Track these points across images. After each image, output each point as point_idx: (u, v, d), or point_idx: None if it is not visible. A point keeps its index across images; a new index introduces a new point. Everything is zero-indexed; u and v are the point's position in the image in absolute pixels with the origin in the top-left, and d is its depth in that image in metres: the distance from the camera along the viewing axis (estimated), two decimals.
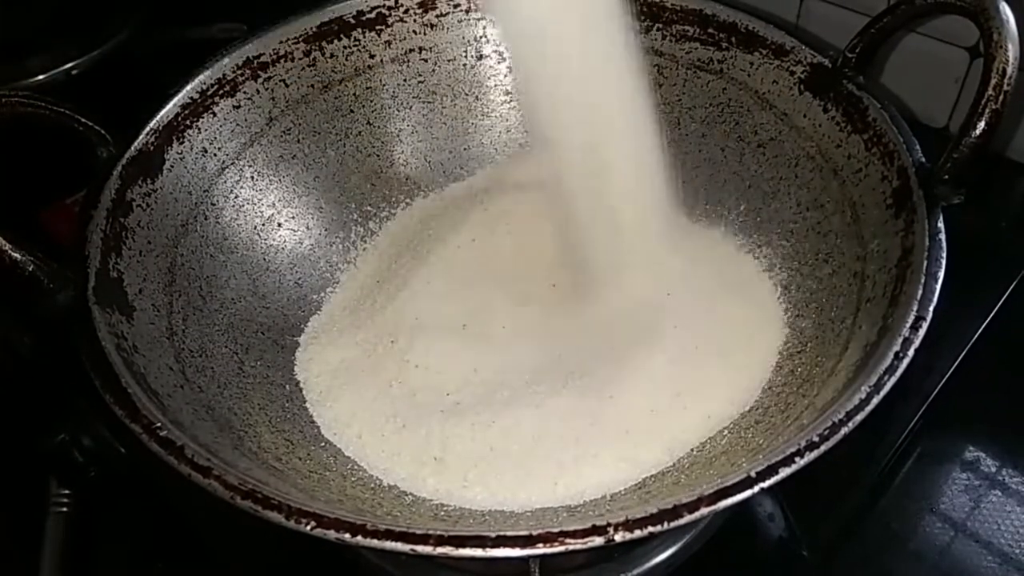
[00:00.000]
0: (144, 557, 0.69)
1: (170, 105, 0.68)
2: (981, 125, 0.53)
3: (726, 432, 0.60)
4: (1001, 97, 0.52)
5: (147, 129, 0.66)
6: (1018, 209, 0.88)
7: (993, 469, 0.69)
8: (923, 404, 0.70)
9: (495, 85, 0.82)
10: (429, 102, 0.81)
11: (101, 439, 0.68)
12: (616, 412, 0.61)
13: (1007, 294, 0.77)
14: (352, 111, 0.78)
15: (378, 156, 0.79)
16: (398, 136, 0.80)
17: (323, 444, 0.62)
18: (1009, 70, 0.52)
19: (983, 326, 0.75)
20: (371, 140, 0.79)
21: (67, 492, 0.68)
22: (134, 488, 0.70)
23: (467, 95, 0.82)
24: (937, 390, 0.71)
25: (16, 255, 0.54)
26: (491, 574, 0.65)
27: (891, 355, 0.48)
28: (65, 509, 0.67)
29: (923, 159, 0.58)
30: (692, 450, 0.59)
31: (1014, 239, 0.84)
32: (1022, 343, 0.77)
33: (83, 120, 0.63)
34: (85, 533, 0.67)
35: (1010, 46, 0.53)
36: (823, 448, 0.44)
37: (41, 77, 0.92)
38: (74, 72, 0.93)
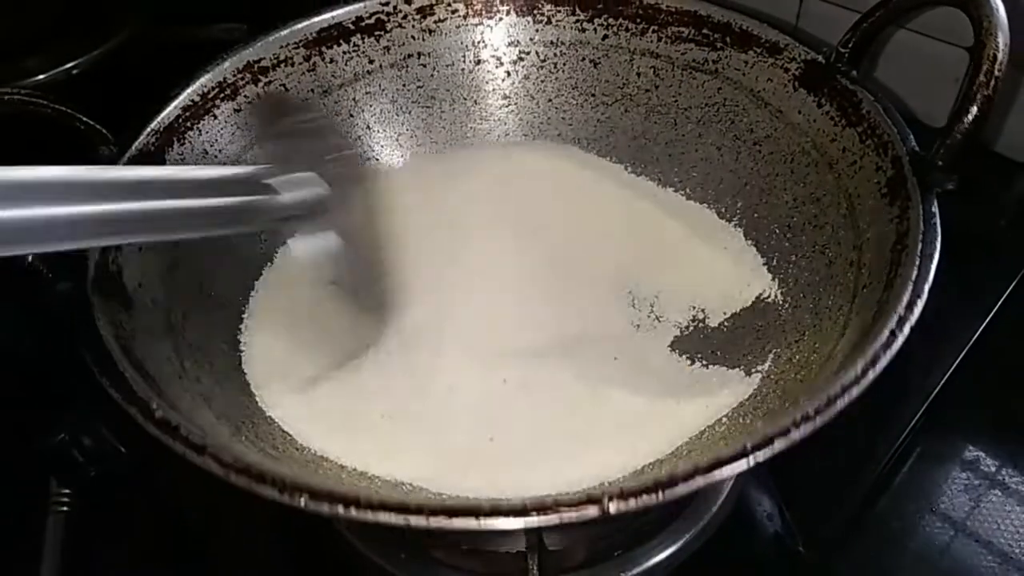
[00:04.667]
0: (144, 557, 0.69)
1: (171, 107, 0.68)
2: (973, 111, 0.53)
3: (724, 419, 0.60)
4: (992, 83, 0.53)
5: (148, 130, 0.66)
6: (1017, 208, 0.88)
7: (993, 469, 0.69)
8: (923, 403, 0.70)
9: (493, 90, 0.82)
10: (428, 107, 0.82)
11: (101, 439, 0.68)
12: (616, 402, 0.61)
13: (1007, 294, 0.77)
14: (352, 115, 0.79)
15: (377, 160, 0.80)
16: (397, 140, 0.81)
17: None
18: (1000, 56, 0.53)
19: (983, 325, 0.75)
20: (370, 144, 0.80)
21: (67, 492, 0.68)
22: (134, 488, 0.70)
23: (465, 100, 0.82)
24: (937, 389, 0.71)
25: None
26: (491, 572, 0.65)
27: (886, 332, 0.48)
28: (65, 509, 0.67)
29: (916, 147, 0.59)
30: (691, 438, 0.59)
31: (1013, 238, 0.84)
32: (1022, 343, 0.76)
33: (84, 119, 0.63)
34: (85, 533, 0.67)
35: (1000, 34, 0.53)
36: (818, 421, 0.44)
37: (42, 77, 0.93)
38: (74, 72, 0.94)
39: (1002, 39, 0.53)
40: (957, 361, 0.73)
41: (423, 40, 0.80)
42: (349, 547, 0.65)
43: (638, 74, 0.79)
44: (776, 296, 0.67)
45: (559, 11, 0.80)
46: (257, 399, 0.63)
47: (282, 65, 0.75)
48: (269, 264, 0.72)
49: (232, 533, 0.68)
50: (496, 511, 0.41)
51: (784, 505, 0.66)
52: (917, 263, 0.52)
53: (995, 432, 0.72)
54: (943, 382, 0.71)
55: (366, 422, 0.62)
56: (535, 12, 0.80)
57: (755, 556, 0.66)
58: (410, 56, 0.80)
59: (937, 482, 0.69)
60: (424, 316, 0.66)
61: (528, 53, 0.81)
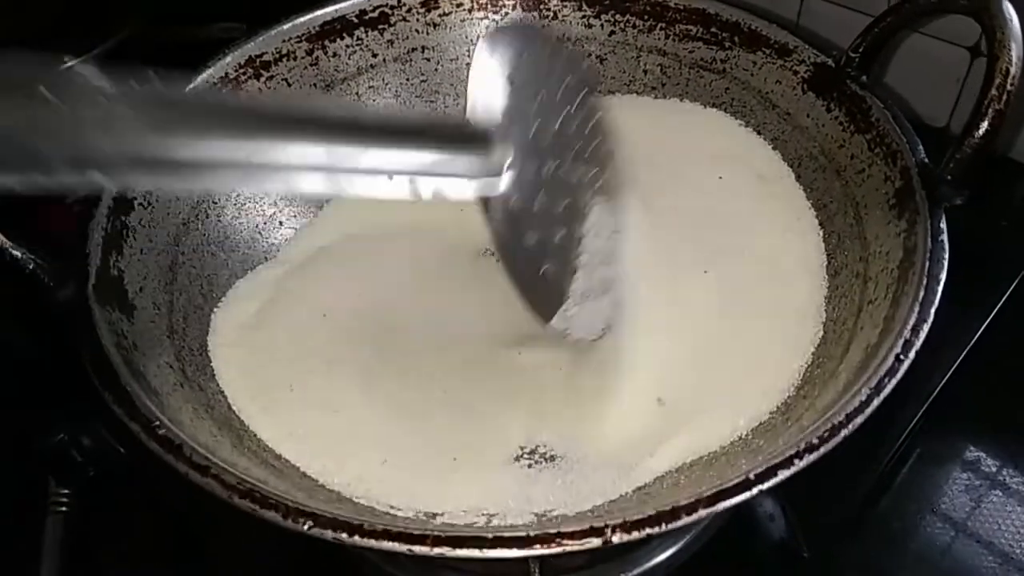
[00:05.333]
0: (144, 557, 0.69)
1: None
2: (984, 125, 0.53)
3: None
4: (1004, 97, 0.52)
5: None
6: (1019, 209, 0.87)
7: (994, 469, 0.69)
8: (924, 404, 0.70)
9: None
10: (432, 101, 0.81)
11: (101, 439, 0.68)
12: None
13: (1007, 294, 0.77)
14: None
15: None
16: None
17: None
18: (1012, 70, 0.52)
19: (984, 326, 0.74)
20: None
21: (67, 492, 0.68)
22: (134, 488, 0.70)
23: None
24: (938, 390, 0.71)
25: (16, 253, 0.54)
26: (492, 574, 0.65)
27: (892, 357, 0.48)
28: (65, 509, 0.67)
29: (926, 159, 0.58)
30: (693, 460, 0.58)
31: (1014, 239, 0.83)
32: (1022, 343, 0.76)
33: None
34: (85, 533, 0.67)
35: (1013, 46, 0.52)
36: (822, 450, 0.44)
37: None
38: None
39: (1015, 51, 0.52)
40: (958, 362, 0.72)
41: (427, 34, 0.79)
42: (348, 547, 0.65)
43: (645, 71, 0.78)
44: None
45: (565, 6, 0.79)
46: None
47: (284, 59, 0.74)
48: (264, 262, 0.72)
49: (232, 533, 0.68)
50: (499, 542, 0.41)
51: (785, 505, 0.66)
52: (924, 283, 0.51)
53: (996, 433, 0.72)
54: (944, 382, 0.71)
55: (352, 442, 0.59)
56: (541, 7, 0.79)
57: (756, 556, 0.66)
58: (414, 50, 0.79)
59: (938, 482, 0.69)
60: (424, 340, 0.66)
61: None
